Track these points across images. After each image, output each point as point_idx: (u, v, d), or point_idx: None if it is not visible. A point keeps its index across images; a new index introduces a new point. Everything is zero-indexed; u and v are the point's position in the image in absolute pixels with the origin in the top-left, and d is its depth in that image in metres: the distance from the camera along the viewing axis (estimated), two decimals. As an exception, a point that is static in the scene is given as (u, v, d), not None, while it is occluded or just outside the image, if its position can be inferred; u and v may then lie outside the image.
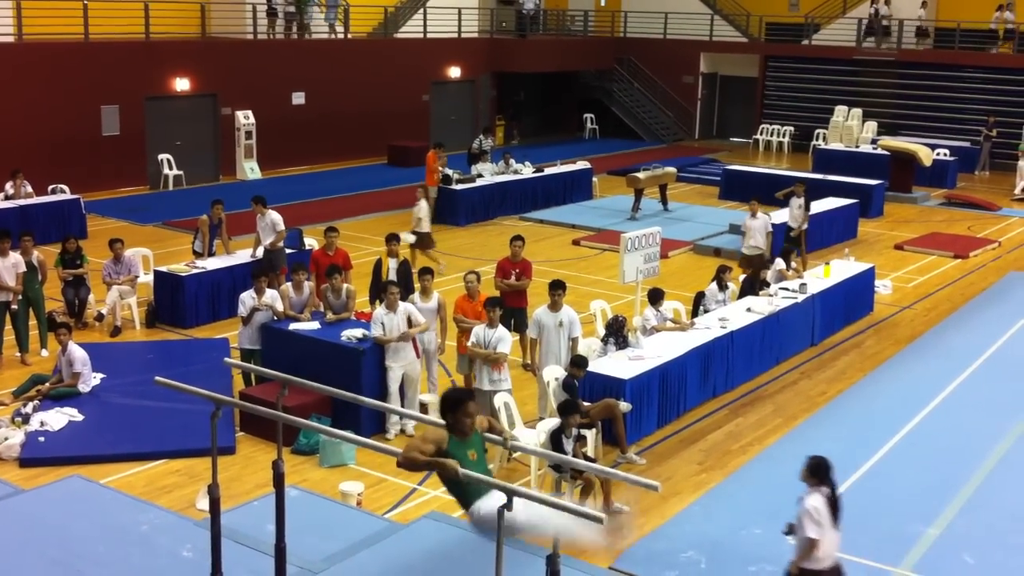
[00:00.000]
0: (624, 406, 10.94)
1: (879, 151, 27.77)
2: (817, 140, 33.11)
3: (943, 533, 9.51)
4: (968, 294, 18.01)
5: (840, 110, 33.48)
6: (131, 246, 16.22)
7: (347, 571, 7.77)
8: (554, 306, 11.59)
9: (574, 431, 9.69)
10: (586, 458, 9.71)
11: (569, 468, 9.40)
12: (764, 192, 24.60)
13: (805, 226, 18.95)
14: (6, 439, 10.81)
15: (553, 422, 9.96)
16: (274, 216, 15.52)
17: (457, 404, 6.23)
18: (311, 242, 16.80)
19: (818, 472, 7.47)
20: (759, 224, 17.25)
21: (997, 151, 30.80)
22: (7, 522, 8.60)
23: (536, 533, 5.93)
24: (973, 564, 8.97)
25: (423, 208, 18.05)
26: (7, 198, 19.73)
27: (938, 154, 28.23)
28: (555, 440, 9.59)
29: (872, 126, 32.79)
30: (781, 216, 20.31)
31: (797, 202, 18.90)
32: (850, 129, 32.70)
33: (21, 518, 8.69)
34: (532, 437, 10.41)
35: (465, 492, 6.06)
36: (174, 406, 11.56)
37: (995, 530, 9.64)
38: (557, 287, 11.64)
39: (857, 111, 33.40)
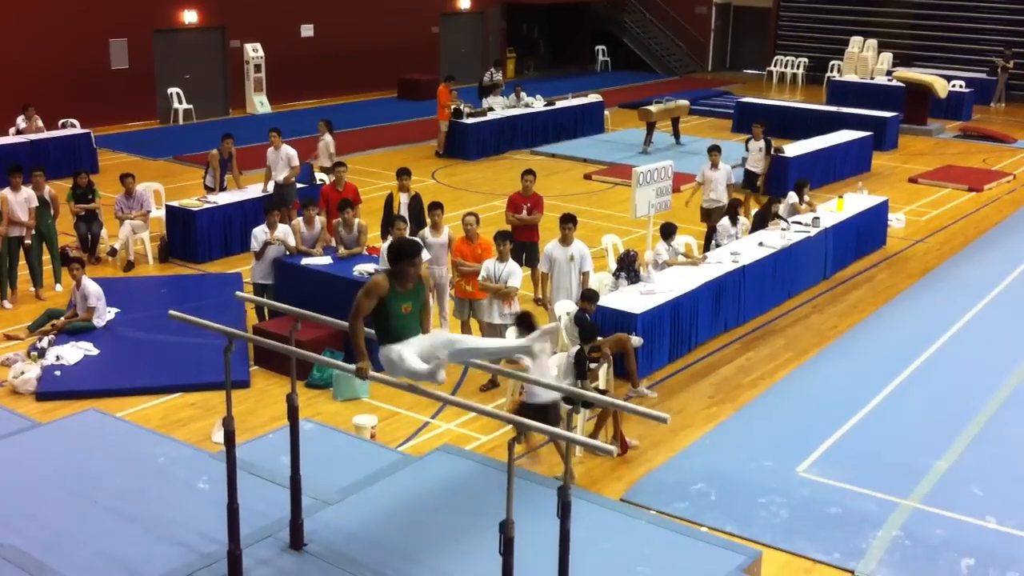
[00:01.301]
0: (636, 340, 10.97)
1: (894, 83, 27.47)
2: (832, 72, 32.74)
3: (952, 466, 9.56)
4: (982, 228, 17.92)
5: (855, 41, 33.05)
6: (142, 181, 16.22)
7: (361, 502, 7.86)
8: (565, 240, 11.56)
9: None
10: (598, 391, 9.76)
11: (580, 401, 9.45)
12: (777, 127, 24.59)
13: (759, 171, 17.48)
14: (22, 373, 10.91)
15: (570, 352, 9.95)
16: (289, 151, 15.48)
17: (408, 254, 6.42)
18: (322, 177, 16.75)
19: (523, 323, 9.40)
20: (720, 175, 15.58)
21: (1014, 83, 30.43)
22: (24, 455, 8.71)
23: (408, 373, 6.33)
24: (982, 496, 9.02)
25: (330, 143, 17.28)
26: (19, 132, 19.70)
27: (954, 86, 27.90)
28: (579, 361, 9.61)
29: (887, 57, 32.39)
30: (796, 149, 20.18)
31: (756, 145, 17.46)
32: (865, 60, 32.31)
33: (38, 451, 8.79)
34: (544, 371, 10.44)
35: (384, 331, 6.40)
36: (188, 340, 11.64)
37: (1004, 463, 9.69)
38: (568, 221, 11.60)
39: (872, 42, 32.96)
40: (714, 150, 15.80)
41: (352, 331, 6.42)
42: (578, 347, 9.79)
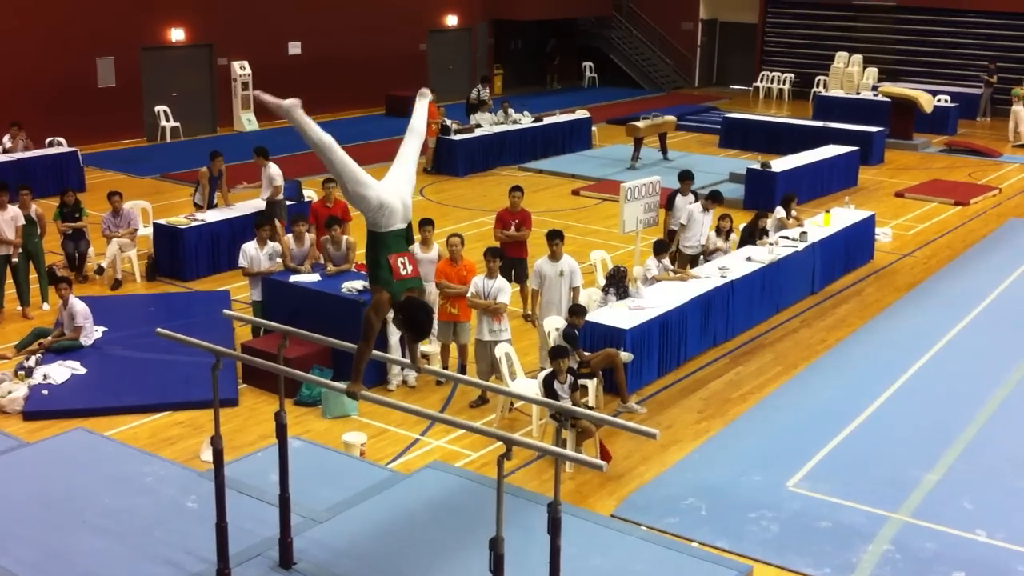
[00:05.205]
0: (625, 356, 10.97)
1: (880, 98, 27.60)
2: (818, 87, 32.90)
3: (942, 479, 9.57)
4: (968, 241, 18.00)
5: (841, 56, 33.23)
6: (129, 199, 16.18)
7: (350, 520, 7.84)
8: (554, 256, 11.57)
9: (569, 378, 9.73)
10: (587, 407, 9.76)
11: (568, 416, 9.45)
12: (764, 142, 24.75)
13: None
14: (10, 392, 10.85)
15: (548, 371, 9.99)
16: (273, 170, 15.46)
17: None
18: (310, 193, 16.75)
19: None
20: (708, 217, 14.20)
21: (999, 97, 30.61)
22: (12, 475, 8.66)
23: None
24: (972, 509, 9.03)
25: None
26: (5, 151, 19.65)
27: (939, 100, 28.05)
28: (547, 385, 9.64)
29: (873, 72, 32.57)
30: (783, 164, 20.27)
31: (685, 200, 14.68)
32: (851, 75, 32.48)
33: (26, 471, 8.75)
34: (533, 387, 10.45)
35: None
36: (176, 358, 11.59)
37: (994, 475, 9.70)
38: (555, 236, 11.62)
39: (858, 57, 33.15)
40: (712, 198, 14.13)
41: (364, 353, 6.26)
42: (548, 370, 9.78)
